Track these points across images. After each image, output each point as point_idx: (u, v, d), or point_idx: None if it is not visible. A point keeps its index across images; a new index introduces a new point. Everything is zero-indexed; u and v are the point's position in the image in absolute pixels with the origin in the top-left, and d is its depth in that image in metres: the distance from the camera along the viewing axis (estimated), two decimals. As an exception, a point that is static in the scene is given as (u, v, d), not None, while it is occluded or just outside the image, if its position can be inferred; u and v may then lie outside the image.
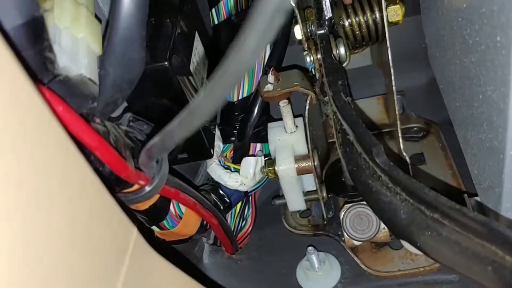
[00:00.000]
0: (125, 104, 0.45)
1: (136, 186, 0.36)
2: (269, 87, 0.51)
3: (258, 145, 0.59)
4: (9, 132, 0.17)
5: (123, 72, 0.29)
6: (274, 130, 0.56)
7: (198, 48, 0.51)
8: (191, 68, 0.49)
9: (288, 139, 0.55)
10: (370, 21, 0.53)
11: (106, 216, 0.26)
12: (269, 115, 0.61)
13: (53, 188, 0.21)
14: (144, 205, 0.41)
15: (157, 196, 0.41)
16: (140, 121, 0.37)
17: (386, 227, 0.53)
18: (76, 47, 0.33)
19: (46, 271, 0.21)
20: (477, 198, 0.47)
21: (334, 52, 0.49)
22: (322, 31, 0.49)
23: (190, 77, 0.48)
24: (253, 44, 0.17)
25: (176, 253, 0.53)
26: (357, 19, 0.53)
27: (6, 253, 0.18)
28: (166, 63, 0.43)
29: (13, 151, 0.17)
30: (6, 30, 0.25)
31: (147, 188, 0.36)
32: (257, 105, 0.57)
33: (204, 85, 0.50)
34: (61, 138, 0.22)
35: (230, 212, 0.60)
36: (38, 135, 0.19)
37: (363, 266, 0.54)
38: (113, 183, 0.33)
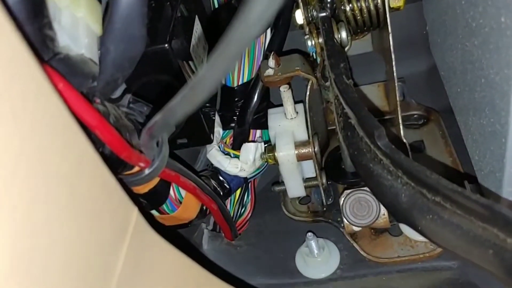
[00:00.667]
0: (124, 86, 0.44)
1: (136, 168, 0.35)
2: (269, 71, 0.51)
3: (258, 131, 0.59)
4: (9, 99, 0.17)
5: (124, 50, 0.29)
6: (274, 116, 0.55)
7: (198, 32, 0.51)
8: (191, 52, 0.48)
9: (288, 125, 0.54)
10: (372, 6, 0.52)
11: (106, 194, 0.25)
12: (269, 101, 0.61)
13: (53, 161, 0.20)
14: (144, 188, 0.40)
15: (157, 180, 0.41)
16: (140, 103, 0.37)
17: (385, 213, 0.53)
18: (76, 26, 0.33)
19: (45, 244, 0.21)
20: (477, 184, 0.47)
21: (336, 36, 0.48)
22: (324, 14, 0.49)
23: (190, 62, 0.48)
24: (258, 13, 0.17)
25: (176, 236, 0.53)
26: (358, 4, 0.52)
27: (5, 225, 0.18)
28: (166, 45, 0.43)
29: (13, 120, 0.17)
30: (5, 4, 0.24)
31: (147, 171, 0.35)
32: (257, 90, 0.57)
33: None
34: (61, 112, 0.21)
35: (229, 199, 0.60)
36: (38, 106, 0.19)
37: (362, 253, 0.54)
38: (113, 164, 0.33)
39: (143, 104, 0.37)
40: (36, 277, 0.21)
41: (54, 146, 0.21)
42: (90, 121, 0.28)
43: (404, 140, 0.49)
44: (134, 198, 0.41)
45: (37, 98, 0.19)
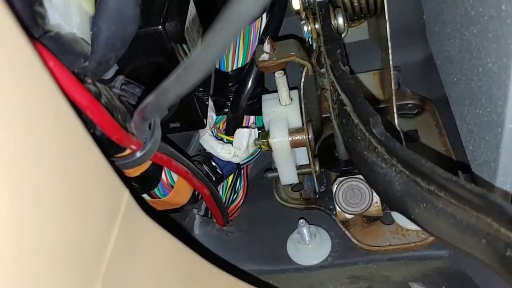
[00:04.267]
0: (116, 67, 0.44)
1: (127, 151, 0.35)
2: (264, 56, 0.50)
3: (252, 118, 0.58)
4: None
5: (116, 30, 0.28)
6: (268, 102, 0.55)
7: (192, 15, 0.50)
8: (185, 34, 0.47)
9: (282, 111, 0.54)
10: (369, -7, 0.52)
11: (97, 175, 0.25)
12: (264, 87, 0.60)
13: (43, 139, 0.20)
14: (135, 172, 0.40)
15: (148, 163, 0.40)
16: (132, 85, 0.36)
17: (378, 202, 0.53)
18: (68, 5, 0.32)
19: (34, 225, 0.20)
20: (471, 174, 0.47)
21: (333, 22, 0.48)
22: (321, -1, 0.48)
23: (184, 45, 0.47)
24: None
25: (168, 220, 0.53)
26: (356, -10, 0.52)
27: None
28: (159, 27, 0.42)
29: (2, 93, 0.16)
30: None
31: (139, 153, 0.35)
32: (252, 76, 0.56)
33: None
34: (51, 89, 0.21)
35: (221, 185, 0.60)
36: (28, 82, 0.18)
37: (354, 240, 0.54)
38: (105, 146, 0.32)
39: (136, 86, 0.36)
40: (26, 259, 0.20)
41: (45, 124, 0.21)
42: (81, 101, 0.27)
43: (399, 129, 0.49)
44: (126, 181, 0.41)
45: (26, 74, 0.18)
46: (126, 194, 0.28)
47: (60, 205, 0.23)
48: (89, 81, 0.31)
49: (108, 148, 0.33)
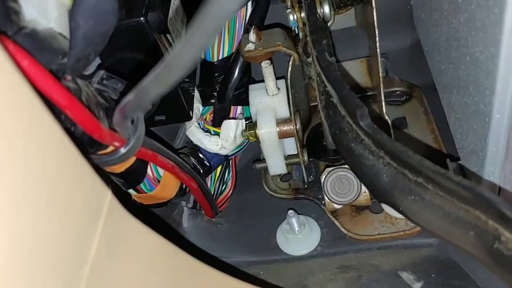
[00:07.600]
0: (98, 61, 0.43)
1: (110, 148, 0.34)
2: (250, 46, 0.49)
3: (239, 108, 0.58)
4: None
5: (94, 24, 0.27)
6: (255, 92, 0.54)
7: (176, 4, 0.49)
8: (169, 25, 0.46)
9: (269, 101, 0.53)
10: (356, -20, 0.51)
11: (77, 176, 0.24)
12: (251, 76, 0.60)
13: (16, 142, 0.19)
14: (120, 168, 0.39)
15: (133, 159, 0.39)
16: (114, 79, 0.35)
17: (366, 191, 0.53)
18: (44, -2, 0.31)
19: (12, 231, 0.20)
20: (459, 162, 0.47)
21: (319, 11, 0.47)
22: (307, -12, 0.47)
23: (168, 35, 0.46)
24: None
25: (154, 217, 0.52)
26: (342, -23, 0.51)
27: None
28: (142, 18, 0.41)
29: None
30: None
31: (123, 150, 0.34)
32: (238, 65, 0.55)
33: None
34: (24, 90, 0.20)
35: (210, 176, 0.59)
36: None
37: (343, 230, 0.54)
38: (86, 145, 0.31)
39: (117, 80, 0.35)
40: (1, 264, 0.20)
41: (17, 127, 0.20)
42: (60, 100, 0.26)
43: (386, 118, 0.49)
44: (110, 177, 0.40)
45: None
46: (108, 194, 0.27)
47: (38, 209, 0.22)
48: (69, 78, 0.30)
49: (91, 145, 0.32)
